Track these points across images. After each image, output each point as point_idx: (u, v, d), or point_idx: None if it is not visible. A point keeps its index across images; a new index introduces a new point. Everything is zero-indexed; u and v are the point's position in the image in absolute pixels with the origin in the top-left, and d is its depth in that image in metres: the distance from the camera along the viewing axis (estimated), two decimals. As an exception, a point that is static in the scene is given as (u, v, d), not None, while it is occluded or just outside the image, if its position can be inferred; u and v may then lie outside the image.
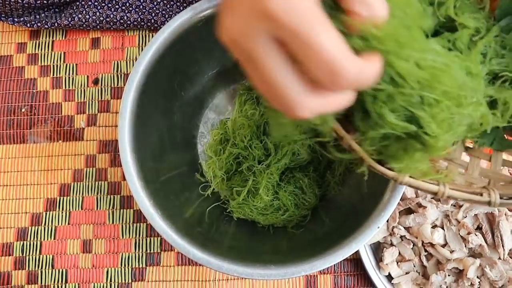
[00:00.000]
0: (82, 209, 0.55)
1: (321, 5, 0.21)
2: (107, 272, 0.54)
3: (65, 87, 0.59)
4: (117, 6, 0.57)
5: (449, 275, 0.48)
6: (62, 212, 0.55)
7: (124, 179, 0.55)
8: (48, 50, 0.60)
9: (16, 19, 0.57)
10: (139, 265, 0.54)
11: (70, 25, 0.57)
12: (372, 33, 0.22)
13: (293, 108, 0.22)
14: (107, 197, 0.55)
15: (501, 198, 0.30)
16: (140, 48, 0.59)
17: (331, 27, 0.20)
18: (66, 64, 0.60)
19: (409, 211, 0.50)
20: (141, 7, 0.57)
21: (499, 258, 0.46)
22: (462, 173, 0.37)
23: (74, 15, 0.57)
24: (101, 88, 0.59)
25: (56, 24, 0.57)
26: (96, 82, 0.59)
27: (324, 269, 0.53)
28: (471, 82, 0.27)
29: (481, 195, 0.30)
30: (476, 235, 0.47)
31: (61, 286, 0.53)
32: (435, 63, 0.24)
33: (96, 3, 0.57)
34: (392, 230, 0.50)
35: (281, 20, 0.19)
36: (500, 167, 0.37)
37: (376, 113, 0.25)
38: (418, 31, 0.25)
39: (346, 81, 0.20)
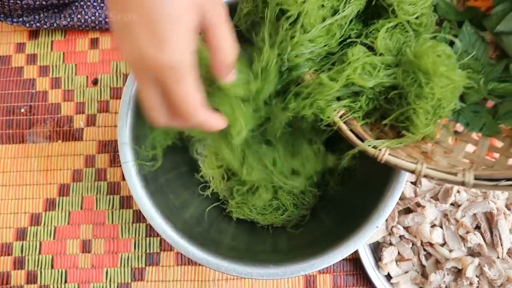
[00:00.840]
0: (81, 209, 0.55)
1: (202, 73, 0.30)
2: (107, 272, 0.54)
3: (65, 87, 0.59)
4: (116, 6, 0.57)
5: (448, 274, 0.48)
6: (61, 212, 0.55)
7: (124, 179, 0.56)
8: (47, 50, 0.60)
9: (15, 19, 0.57)
10: (138, 265, 0.54)
11: (69, 25, 0.57)
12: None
13: (153, 120, 0.30)
14: (106, 197, 0.56)
15: (477, 179, 0.30)
16: (139, 48, 0.59)
17: (193, 87, 0.27)
18: (66, 65, 0.60)
19: (408, 211, 0.51)
20: (140, 7, 0.57)
21: (498, 257, 0.46)
22: (447, 156, 0.37)
23: (73, 16, 0.57)
24: (101, 88, 0.59)
25: (55, 24, 0.57)
26: (95, 82, 0.59)
27: (323, 269, 0.53)
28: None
29: (456, 175, 0.31)
30: (475, 234, 0.47)
31: (61, 286, 0.53)
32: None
33: (95, 4, 0.57)
34: (391, 229, 0.50)
35: (161, 74, 0.26)
36: (485, 151, 0.38)
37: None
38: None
39: (192, 122, 0.29)
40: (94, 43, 0.60)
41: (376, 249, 0.52)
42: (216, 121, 0.31)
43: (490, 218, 0.48)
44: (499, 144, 0.39)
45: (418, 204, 0.49)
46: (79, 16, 0.57)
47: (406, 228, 0.50)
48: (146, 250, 0.54)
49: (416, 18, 0.34)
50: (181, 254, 0.54)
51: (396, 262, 0.50)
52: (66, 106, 0.59)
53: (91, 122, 0.58)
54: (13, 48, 0.61)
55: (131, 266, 0.54)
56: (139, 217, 0.55)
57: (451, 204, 0.49)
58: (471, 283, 0.46)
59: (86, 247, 0.54)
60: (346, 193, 0.48)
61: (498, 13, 0.38)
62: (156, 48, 0.25)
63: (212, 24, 0.28)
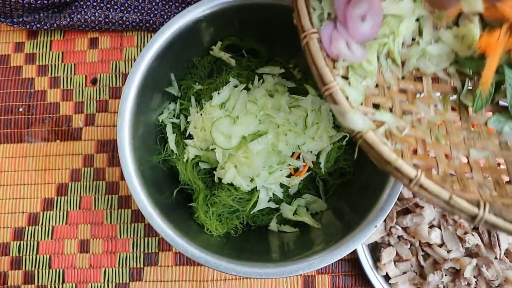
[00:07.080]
0: (79, 209, 0.55)
1: None
2: (105, 272, 0.54)
3: (63, 87, 0.59)
4: (116, 7, 0.57)
5: (446, 275, 0.48)
6: (59, 212, 0.55)
7: (122, 178, 0.56)
8: (46, 49, 0.60)
9: (15, 20, 0.57)
10: (136, 265, 0.54)
11: (69, 25, 0.57)
12: None
13: None
14: (104, 197, 0.55)
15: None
16: (139, 48, 0.60)
17: None
18: (64, 64, 0.60)
19: (406, 211, 0.51)
20: (139, 7, 0.58)
21: (496, 258, 0.47)
22: None
23: (73, 16, 0.57)
24: (99, 88, 0.59)
25: (55, 24, 0.57)
26: (94, 82, 0.59)
27: (322, 269, 0.53)
28: None
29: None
30: (473, 235, 0.47)
31: (58, 286, 0.53)
32: None
33: (95, 4, 0.57)
34: (390, 230, 0.50)
35: None
36: None
37: None
38: None
39: None
40: (93, 42, 0.60)
41: (375, 249, 0.52)
42: None
43: (488, 218, 0.48)
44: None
45: (417, 205, 0.50)
46: (79, 16, 0.57)
47: (405, 229, 0.50)
48: (144, 250, 0.54)
49: None
50: (180, 254, 0.54)
51: (395, 262, 0.50)
52: (65, 105, 0.58)
53: (90, 122, 0.58)
54: (12, 48, 0.60)
55: (129, 266, 0.53)
56: (137, 216, 0.55)
57: (449, 204, 0.49)
58: (469, 284, 0.47)
59: (84, 247, 0.54)
60: (344, 194, 0.49)
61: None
62: None
63: None
